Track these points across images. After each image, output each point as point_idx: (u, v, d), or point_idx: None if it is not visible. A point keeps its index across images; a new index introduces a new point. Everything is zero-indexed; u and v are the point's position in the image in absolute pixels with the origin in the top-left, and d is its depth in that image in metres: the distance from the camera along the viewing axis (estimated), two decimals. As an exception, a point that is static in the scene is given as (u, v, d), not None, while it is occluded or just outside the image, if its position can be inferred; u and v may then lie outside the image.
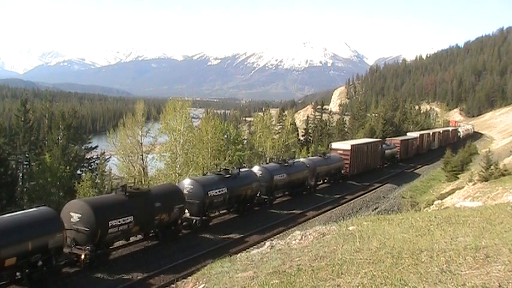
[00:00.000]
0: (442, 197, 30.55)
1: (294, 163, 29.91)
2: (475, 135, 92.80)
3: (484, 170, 27.53)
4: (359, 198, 30.72)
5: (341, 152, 36.93)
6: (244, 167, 28.95)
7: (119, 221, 16.18)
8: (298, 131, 67.09)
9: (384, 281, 5.11)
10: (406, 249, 6.61)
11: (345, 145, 38.88)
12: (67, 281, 14.46)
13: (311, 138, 70.57)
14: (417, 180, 40.81)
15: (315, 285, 5.55)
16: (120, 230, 16.35)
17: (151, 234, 19.06)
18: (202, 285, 7.98)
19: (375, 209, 28.77)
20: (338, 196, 31.02)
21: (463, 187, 30.30)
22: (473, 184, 28.04)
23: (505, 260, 5.32)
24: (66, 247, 15.15)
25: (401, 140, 50.96)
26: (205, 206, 21.11)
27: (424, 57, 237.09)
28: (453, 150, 49.36)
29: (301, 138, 69.66)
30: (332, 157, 35.20)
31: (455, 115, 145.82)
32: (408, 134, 61.08)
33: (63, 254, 15.00)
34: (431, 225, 9.22)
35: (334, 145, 39.88)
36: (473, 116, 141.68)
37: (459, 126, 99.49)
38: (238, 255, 10.57)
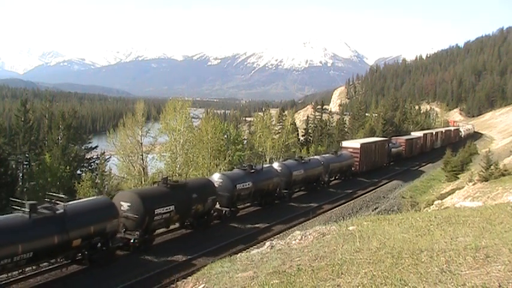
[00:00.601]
0: (442, 197, 30.54)
1: (310, 160, 32.12)
2: (475, 135, 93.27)
3: (484, 170, 27.52)
4: (368, 193, 32.15)
5: (351, 150, 38.67)
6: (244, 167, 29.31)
7: (163, 210, 18.22)
8: (298, 131, 67.05)
9: (383, 281, 5.11)
10: (406, 249, 6.61)
11: (355, 143, 40.69)
12: (120, 262, 16.41)
13: (311, 138, 70.53)
14: (417, 180, 40.82)
15: (315, 285, 5.55)
16: (163, 217, 18.42)
17: (186, 223, 20.96)
18: (202, 285, 7.98)
19: (375, 209, 28.78)
20: (350, 191, 32.85)
21: (463, 187, 30.30)
22: (473, 184, 28.03)
23: (505, 260, 5.32)
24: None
25: (406, 139, 52.81)
26: (233, 198, 23.13)
27: (424, 57, 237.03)
28: (455, 149, 50.52)
29: (301, 138, 69.62)
30: (343, 155, 37.17)
31: (455, 115, 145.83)
32: (412, 133, 62.62)
33: (117, 238, 16.84)
34: (431, 225, 9.22)
35: (345, 143, 41.77)
36: (473, 116, 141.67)
37: (458, 126, 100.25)
38: (238, 255, 10.58)
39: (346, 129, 74.24)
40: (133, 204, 17.43)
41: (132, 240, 17.27)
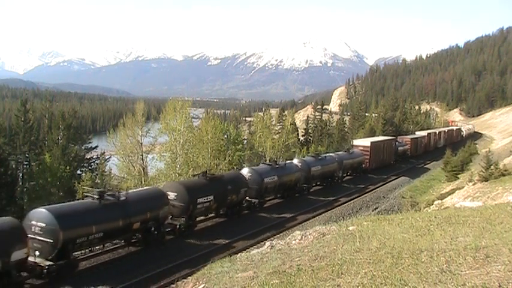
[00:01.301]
0: (442, 197, 30.56)
1: (326, 157, 34.79)
2: (475, 135, 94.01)
3: (484, 170, 27.54)
4: (373, 191, 33.24)
5: (361, 148, 41.45)
6: (243, 166, 30.11)
7: (204, 199, 21.04)
8: (298, 131, 67.00)
9: (383, 281, 5.11)
10: (406, 249, 6.61)
11: (365, 142, 43.28)
12: (168, 245, 18.93)
13: (311, 138, 70.50)
14: (417, 180, 40.85)
15: (315, 285, 5.55)
16: (204, 206, 21.26)
17: (221, 212, 23.57)
18: (202, 285, 7.98)
19: (375, 209, 28.81)
20: (362, 186, 35.36)
21: (463, 187, 30.31)
22: (473, 184, 28.04)
23: (505, 260, 5.32)
24: None
25: (412, 139, 55.35)
26: (261, 191, 25.79)
27: (424, 57, 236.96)
28: (457, 148, 52.73)
29: (301, 138, 69.59)
30: (355, 152, 39.83)
31: (455, 115, 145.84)
32: (417, 132, 65.03)
33: (166, 224, 19.49)
34: (431, 225, 9.22)
35: (356, 142, 44.66)
36: (473, 116, 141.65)
37: (456, 125, 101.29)
38: (238, 255, 10.58)
39: (346, 129, 74.24)
40: (180, 194, 20.13)
41: (178, 226, 19.91)
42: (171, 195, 19.98)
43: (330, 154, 37.18)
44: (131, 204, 17.37)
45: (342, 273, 5.78)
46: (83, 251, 16.06)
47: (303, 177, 30.50)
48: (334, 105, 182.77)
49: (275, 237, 19.87)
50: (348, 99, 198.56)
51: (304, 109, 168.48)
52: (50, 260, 14.46)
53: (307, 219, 24.43)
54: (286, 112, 70.89)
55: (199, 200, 20.73)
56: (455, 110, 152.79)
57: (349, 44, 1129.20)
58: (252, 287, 6.23)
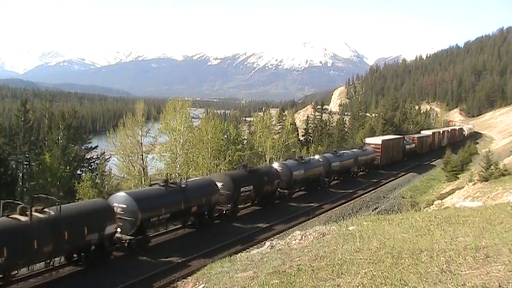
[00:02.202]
0: (442, 197, 30.55)
1: (343, 153, 37.53)
2: (476, 135, 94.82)
3: (484, 170, 27.54)
4: (376, 190, 34.31)
5: (373, 146, 44.06)
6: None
7: (246, 189, 23.99)
8: (298, 131, 66.97)
9: (383, 281, 5.11)
10: (406, 249, 6.61)
11: (377, 140, 46.04)
12: (216, 228, 21.74)
13: (311, 138, 70.49)
14: (417, 180, 40.88)
15: (315, 285, 5.55)
16: (245, 194, 24.24)
17: (256, 202, 26.45)
18: (202, 285, 7.98)
19: (375, 209, 28.80)
20: (375, 181, 37.99)
21: (463, 187, 30.31)
22: (473, 184, 28.04)
23: (505, 260, 5.32)
24: None
25: (418, 137, 58.21)
26: (290, 183, 28.59)
27: (424, 57, 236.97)
28: (459, 147, 55.33)
29: (301, 138, 69.57)
30: (368, 150, 42.55)
31: (455, 115, 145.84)
32: (422, 132, 67.26)
33: (216, 209, 22.33)
34: (431, 225, 9.22)
35: (368, 140, 47.28)
36: (473, 116, 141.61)
37: (454, 125, 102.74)
38: (238, 255, 10.58)
39: (346, 129, 74.22)
40: (226, 184, 22.92)
41: (225, 211, 22.84)
42: (218, 185, 22.53)
43: (347, 151, 39.77)
44: (190, 191, 20.38)
45: (342, 273, 5.78)
46: (153, 230, 19.42)
47: (324, 171, 33.24)
48: (334, 105, 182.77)
49: (275, 237, 19.91)
50: (348, 99, 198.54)
51: (304, 109, 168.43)
52: (130, 236, 17.32)
53: (331, 208, 27.27)
54: (286, 112, 70.86)
55: (242, 189, 23.75)
56: (455, 110, 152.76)
57: (349, 44, 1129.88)
58: (252, 287, 6.23)
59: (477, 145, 68.41)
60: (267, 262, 7.86)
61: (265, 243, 12.90)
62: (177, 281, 11.60)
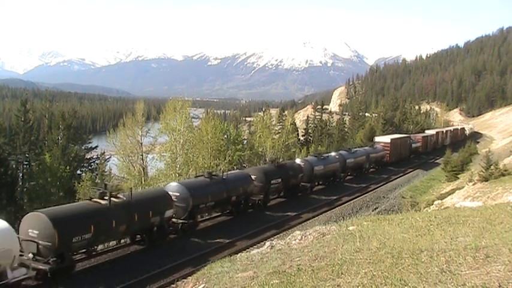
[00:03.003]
0: (442, 197, 30.55)
1: (356, 151, 40.46)
2: (476, 135, 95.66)
3: (484, 170, 27.54)
4: (379, 188, 35.89)
5: (383, 144, 46.88)
6: (244, 167, 31.34)
7: (275, 181, 27.02)
8: (298, 131, 67.02)
9: (383, 281, 5.11)
10: (406, 249, 6.60)
11: (386, 139, 48.82)
12: (251, 216, 24.53)
13: (311, 138, 70.53)
14: (417, 180, 40.89)
15: (315, 285, 5.55)
16: (275, 186, 27.29)
17: (282, 194, 29.50)
18: (202, 285, 7.98)
19: (375, 209, 28.82)
20: (385, 176, 41.17)
21: (463, 187, 30.30)
22: (473, 184, 28.04)
23: (505, 260, 5.32)
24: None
25: (423, 137, 60.91)
26: (312, 177, 31.60)
27: (424, 57, 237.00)
28: (461, 146, 57.66)
29: (301, 138, 69.60)
30: (378, 148, 45.43)
31: (455, 115, 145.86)
32: (426, 131, 70.13)
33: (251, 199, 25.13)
34: (431, 225, 9.22)
35: (377, 139, 49.79)
36: (473, 116, 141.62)
37: (453, 125, 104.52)
38: (238, 255, 10.58)
39: (346, 129, 74.24)
40: (258, 177, 25.71)
41: (257, 201, 25.48)
42: (253, 177, 25.26)
43: (359, 149, 42.61)
44: (230, 182, 23.12)
45: (342, 273, 5.78)
46: (200, 216, 22.32)
47: (340, 167, 35.90)
48: (334, 105, 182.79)
49: (275, 237, 19.93)
50: (348, 99, 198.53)
51: (304, 109, 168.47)
52: (183, 220, 20.09)
53: (348, 200, 30.14)
54: (286, 112, 70.86)
55: (272, 181, 26.71)
56: (455, 110, 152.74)
57: (349, 44, 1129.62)
58: (252, 287, 6.23)
59: (477, 145, 68.70)
60: (267, 262, 7.86)
61: (265, 243, 12.91)
62: (177, 281, 11.58)
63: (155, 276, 15.02)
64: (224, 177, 23.02)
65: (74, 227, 14.79)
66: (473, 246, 6.23)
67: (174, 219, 19.70)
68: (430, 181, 41.12)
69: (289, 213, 25.23)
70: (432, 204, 26.48)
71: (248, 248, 8.95)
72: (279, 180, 27.24)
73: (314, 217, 24.82)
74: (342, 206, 28.43)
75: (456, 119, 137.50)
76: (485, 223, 8.70)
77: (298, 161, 32.28)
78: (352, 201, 29.91)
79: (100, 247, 16.87)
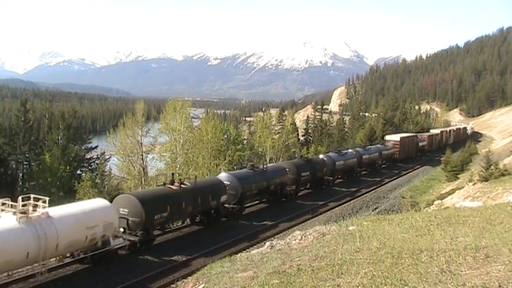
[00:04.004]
0: (442, 197, 30.53)
1: (370, 148, 44.06)
2: (475, 135, 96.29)
3: (484, 170, 27.52)
4: (380, 188, 37.05)
5: (393, 142, 50.59)
6: (244, 167, 31.46)
7: (305, 174, 30.28)
8: (298, 131, 66.96)
9: (383, 281, 5.11)
10: (406, 249, 6.60)
11: (396, 137, 52.43)
12: (285, 204, 27.58)
13: (311, 138, 70.48)
14: (417, 180, 40.87)
15: (315, 285, 5.55)
16: (304, 179, 30.44)
17: (309, 185, 32.53)
18: (202, 285, 7.98)
19: (375, 209, 28.80)
20: (396, 172, 44.74)
21: (463, 187, 30.29)
22: (473, 184, 28.02)
23: (505, 260, 5.32)
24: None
25: (428, 136, 64.34)
26: (334, 171, 35.06)
27: (424, 57, 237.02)
28: (463, 144, 59.74)
29: (301, 138, 69.56)
30: (388, 146, 49.22)
31: (455, 115, 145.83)
32: (431, 130, 73.67)
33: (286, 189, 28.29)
34: (431, 225, 9.22)
35: (387, 137, 53.62)
36: (473, 116, 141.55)
37: (450, 125, 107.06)
38: (238, 255, 10.58)
39: (346, 129, 74.22)
40: (291, 169, 28.98)
41: (290, 192, 28.70)
42: (286, 169, 28.44)
43: (372, 146, 45.88)
44: (270, 173, 26.49)
45: (342, 273, 5.78)
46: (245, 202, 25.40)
47: (357, 163, 39.27)
48: (334, 105, 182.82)
49: (275, 237, 19.95)
50: (348, 99, 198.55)
51: (304, 109, 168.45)
52: (233, 205, 23.37)
53: (367, 192, 33.45)
54: (286, 112, 70.83)
55: (303, 174, 29.96)
56: (455, 110, 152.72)
57: (349, 44, 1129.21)
58: (252, 287, 6.23)
59: (477, 145, 68.92)
60: (267, 262, 7.86)
61: (265, 243, 12.90)
62: (177, 281, 11.60)
63: (217, 249, 18.14)
64: (264, 169, 26.51)
65: (156, 206, 18.02)
66: (473, 246, 6.23)
67: (226, 205, 22.83)
68: (430, 181, 41.10)
69: (317, 203, 28.38)
70: (432, 204, 26.47)
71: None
72: (308, 173, 30.61)
73: (339, 205, 28.32)
74: (360, 198, 31.36)
75: (456, 119, 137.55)
76: (485, 223, 8.71)
77: (321, 156, 35.35)
78: (369, 193, 33.20)
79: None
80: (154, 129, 38.99)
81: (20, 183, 33.00)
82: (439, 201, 27.56)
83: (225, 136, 41.37)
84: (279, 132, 51.84)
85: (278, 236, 20.20)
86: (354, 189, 33.87)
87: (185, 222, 22.37)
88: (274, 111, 75.97)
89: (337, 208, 27.74)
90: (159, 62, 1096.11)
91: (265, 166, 27.22)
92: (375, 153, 43.65)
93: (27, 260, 12.95)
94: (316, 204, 27.76)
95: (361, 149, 41.75)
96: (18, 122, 36.26)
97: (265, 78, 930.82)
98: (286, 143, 47.25)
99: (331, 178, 34.58)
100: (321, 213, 25.60)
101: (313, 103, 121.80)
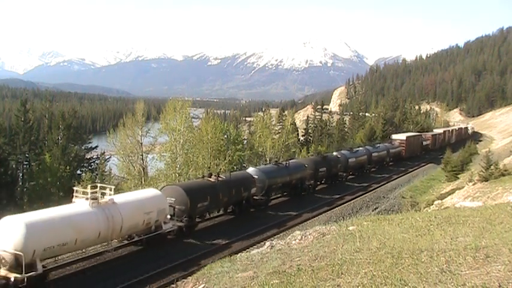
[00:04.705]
0: (442, 197, 30.54)
1: (379, 146, 46.64)
2: (476, 135, 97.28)
3: (484, 170, 27.53)
4: (381, 187, 38.01)
5: (399, 141, 53.47)
6: (244, 167, 31.94)
7: (322, 169, 33.06)
8: (298, 131, 66.97)
9: (383, 281, 5.11)
10: (406, 249, 6.60)
11: (402, 136, 55.59)
12: (305, 198, 29.88)
13: (311, 138, 70.47)
14: (417, 180, 40.88)
15: (315, 285, 5.55)
16: (321, 174, 33.28)
17: (324, 181, 35.12)
18: (202, 285, 7.98)
19: (375, 209, 28.81)
20: (403, 169, 47.09)
21: (463, 187, 30.29)
22: (473, 184, 28.03)
23: (505, 260, 5.32)
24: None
25: (432, 135, 67.39)
26: (347, 167, 37.83)
27: (424, 57, 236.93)
28: (464, 143, 61.63)
29: (301, 138, 69.56)
30: (395, 144, 52.10)
31: (455, 115, 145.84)
32: (435, 130, 76.65)
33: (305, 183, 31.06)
34: (431, 225, 9.22)
35: (394, 136, 56.59)
36: (473, 116, 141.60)
37: (454, 125, 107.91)
38: (238, 255, 10.58)
39: (346, 129, 74.22)
40: (310, 165, 31.49)
41: (309, 186, 31.46)
42: (306, 165, 30.90)
43: (381, 144, 48.36)
44: (291, 168, 28.87)
45: (342, 273, 5.78)
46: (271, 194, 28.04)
47: (367, 160, 41.84)
48: (334, 105, 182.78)
49: (275, 237, 19.95)
50: (348, 99, 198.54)
51: (304, 109, 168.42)
52: (261, 196, 25.73)
53: (378, 187, 36.17)
54: (286, 112, 70.79)
55: (320, 170, 32.62)
56: (455, 110, 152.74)
57: (349, 44, 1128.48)
58: (252, 287, 6.23)
59: (477, 145, 69.14)
60: (267, 262, 7.86)
61: (265, 243, 12.90)
62: (177, 280, 11.58)
63: (252, 234, 20.75)
64: (287, 165, 28.86)
65: (199, 196, 20.50)
66: (473, 246, 6.23)
67: (255, 196, 25.15)
68: (430, 181, 41.12)
69: (334, 196, 31.02)
70: (432, 204, 26.48)
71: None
72: (324, 169, 33.31)
73: (353, 199, 30.74)
74: (362, 197, 32.19)
75: (456, 119, 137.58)
76: (485, 223, 8.71)
77: (335, 153, 37.89)
78: (377, 189, 35.51)
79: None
80: (154, 129, 38.98)
81: (20, 183, 33.00)
82: (439, 201, 27.57)
83: (225, 136, 41.33)
84: (279, 132, 51.81)
85: (278, 236, 20.22)
86: (365, 184, 36.48)
87: (220, 211, 24.49)
88: (274, 111, 75.92)
89: (351, 201, 30.34)
90: (159, 62, 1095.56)
91: (287, 162, 29.74)
92: (383, 151, 46.33)
93: (98, 238, 15.37)
94: (332, 198, 30.35)
95: (370, 147, 44.27)
96: (18, 122, 36.24)
97: (265, 78, 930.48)
98: (286, 143, 47.21)
99: (344, 174, 37.31)
100: (338, 206, 28.22)
101: (313, 103, 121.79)
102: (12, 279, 12.59)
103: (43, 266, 13.54)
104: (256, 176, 25.28)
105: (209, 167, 33.31)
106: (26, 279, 12.64)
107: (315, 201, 28.80)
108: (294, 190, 29.64)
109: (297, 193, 29.81)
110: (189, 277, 10.54)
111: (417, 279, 5.00)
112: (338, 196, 30.83)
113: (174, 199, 19.51)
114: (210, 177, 22.37)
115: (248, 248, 17.79)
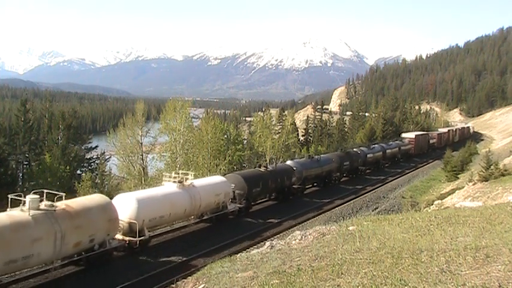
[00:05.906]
0: (442, 197, 30.53)
1: (391, 144, 51.11)
2: (476, 135, 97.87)
3: (484, 170, 27.52)
4: (379, 188, 38.46)
5: (408, 139, 57.57)
6: (244, 167, 32.14)
7: (346, 163, 37.48)
8: (298, 131, 66.92)
9: (383, 281, 5.11)
10: (406, 249, 6.60)
11: (411, 134, 60.12)
12: (332, 188, 34.60)
13: (311, 138, 70.45)
14: (417, 180, 40.89)
15: (315, 285, 5.54)
16: (345, 168, 37.50)
17: (345, 175, 39.10)
18: (202, 285, 7.98)
19: (375, 209, 28.81)
20: (413, 165, 51.58)
21: (463, 187, 30.27)
22: (473, 184, 28.01)
23: (505, 260, 5.32)
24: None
25: (438, 134, 71.83)
26: (366, 162, 42.18)
27: (424, 57, 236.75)
28: (467, 142, 63.49)
29: (301, 138, 69.53)
30: (405, 142, 56.08)
31: (455, 115, 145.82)
32: (439, 129, 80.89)
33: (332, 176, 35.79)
34: (431, 225, 9.22)
35: (404, 135, 60.67)
36: (473, 116, 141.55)
37: (456, 124, 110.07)
38: (238, 255, 10.57)
39: (346, 129, 74.21)
40: (336, 159, 35.81)
41: (335, 178, 35.91)
42: (333, 159, 35.19)
43: (393, 142, 52.47)
44: (322, 162, 33.37)
45: (342, 273, 5.78)
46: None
47: (382, 156, 46.13)
48: (334, 105, 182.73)
49: (275, 237, 19.97)
50: (348, 99, 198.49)
51: (304, 109, 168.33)
52: (298, 185, 30.06)
53: (393, 179, 40.48)
54: (286, 112, 70.77)
55: (344, 163, 37.07)
56: (455, 110, 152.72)
57: (349, 44, 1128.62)
58: (252, 287, 6.23)
59: (477, 145, 69.39)
60: (267, 262, 7.86)
61: (265, 243, 12.90)
62: (177, 281, 11.58)
63: (298, 215, 24.99)
64: (318, 159, 33.36)
65: (254, 183, 24.68)
66: (473, 246, 6.23)
67: (293, 185, 29.13)
68: (430, 181, 41.12)
69: (357, 187, 35.25)
70: (432, 204, 26.47)
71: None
72: (348, 163, 37.50)
73: (375, 189, 34.93)
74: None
75: (456, 119, 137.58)
76: (485, 223, 8.71)
77: (355, 149, 41.91)
78: (390, 183, 38.92)
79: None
80: (154, 129, 38.97)
81: (20, 183, 32.94)
82: (439, 201, 27.56)
83: (225, 136, 41.34)
84: (279, 132, 51.75)
85: (278, 236, 20.23)
86: (383, 177, 40.93)
87: (266, 197, 28.22)
88: (274, 111, 75.81)
89: (367, 194, 33.34)
90: (159, 62, 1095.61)
91: (319, 156, 34.20)
92: (395, 148, 50.78)
93: (184, 214, 19.79)
94: (356, 188, 34.66)
95: (384, 144, 48.49)
96: (18, 122, 36.24)
97: (265, 78, 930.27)
98: (286, 143, 47.18)
99: (363, 168, 41.70)
100: (361, 195, 32.11)
101: (313, 103, 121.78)
102: (127, 241, 16.82)
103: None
104: (295, 168, 29.42)
105: (209, 169, 33.35)
106: (138, 242, 16.85)
107: (341, 191, 33.21)
108: (323, 181, 34.07)
109: (326, 184, 34.40)
110: (189, 277, 10.54)
111: (417, 279, 4.99)
112: (360, 187, 35.14)
113: (234, 185, 23.25)
114: (260, 167, 27.09)
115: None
